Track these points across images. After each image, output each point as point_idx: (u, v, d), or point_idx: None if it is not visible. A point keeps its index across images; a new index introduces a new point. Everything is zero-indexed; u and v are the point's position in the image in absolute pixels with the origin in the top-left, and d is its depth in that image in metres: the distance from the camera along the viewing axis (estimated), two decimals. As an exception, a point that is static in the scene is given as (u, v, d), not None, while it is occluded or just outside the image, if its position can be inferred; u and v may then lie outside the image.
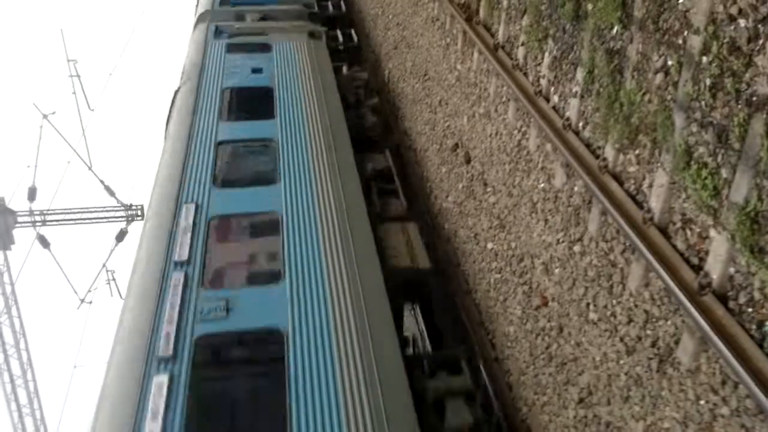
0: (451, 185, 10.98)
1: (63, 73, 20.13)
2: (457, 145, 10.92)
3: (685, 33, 5.10)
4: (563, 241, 7.19)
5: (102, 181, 21.08)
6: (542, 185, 7.85)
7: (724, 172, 4.67)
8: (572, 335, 6.84)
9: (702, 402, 4.87)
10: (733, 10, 4.51)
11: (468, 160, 10.36)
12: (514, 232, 8.50)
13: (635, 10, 5.77)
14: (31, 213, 21.04)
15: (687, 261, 5.11)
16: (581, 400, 6.57)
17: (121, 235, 21.99)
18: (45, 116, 19.33)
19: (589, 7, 6.60)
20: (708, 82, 4.79)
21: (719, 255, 4.72)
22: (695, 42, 4.91)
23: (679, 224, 5.27)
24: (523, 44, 8.53)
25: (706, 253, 4.90)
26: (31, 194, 21.18)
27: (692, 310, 4.78)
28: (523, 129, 8.49)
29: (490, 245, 9.20)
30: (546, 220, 7.65)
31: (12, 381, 21.18)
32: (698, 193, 4.94)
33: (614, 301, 6.12)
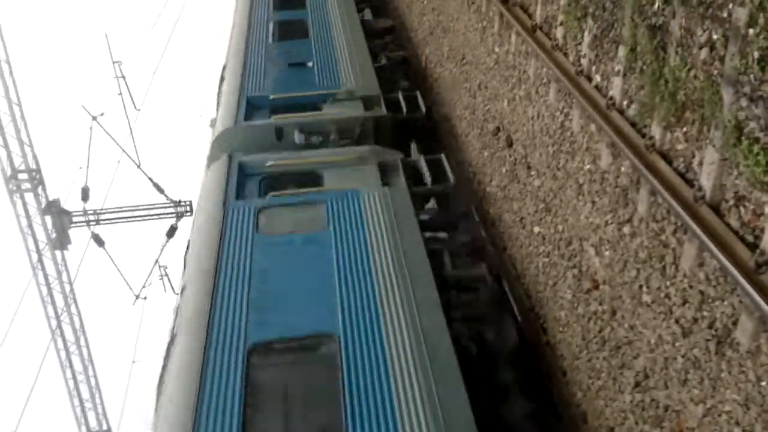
0: (494, 169, 10.88)
1: (108, 74, 20.48)
2: (498, 128, 10.81)
3: (730, 5, 4.94)
4: (612, 223, 7.07)
5: (151, 179, 21.44)
6: (588, 166, 7.72)
7: (778, 147, 4.54)
8: (625, 318, 6.74)
9: (764, 383, 4.76)
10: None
11: (510, 144, 10.25)
12: (560, 215, 8.40)
13: (677, -16, 5.61)
14: (85, 213, 21.54)
15: (742, 239, 4.97)
16: (637, 384, 6.48)
17: (171, 231, 22.39)
18: (94, 118, 19.69)
19: (629, -18, 6.45)
20: (756, 54, 4.64)
21: (776, 232, 4.59)
22: (741, 14, 4.76)
23: (731, 202, 5.14)
24: (561, 24, 8.37)
25: (762, 230, 4.77)
26: (85, 194, 21.65)
27: (750, 289, 4.66)
28: (566, 110, 8.35)
29: (536, 229, 9.11)
30: (593, 202, 7.53)
31: (74, 377, 21.88)
32: (751, 170, 4.80)
33: (668, 283, 6.00)
